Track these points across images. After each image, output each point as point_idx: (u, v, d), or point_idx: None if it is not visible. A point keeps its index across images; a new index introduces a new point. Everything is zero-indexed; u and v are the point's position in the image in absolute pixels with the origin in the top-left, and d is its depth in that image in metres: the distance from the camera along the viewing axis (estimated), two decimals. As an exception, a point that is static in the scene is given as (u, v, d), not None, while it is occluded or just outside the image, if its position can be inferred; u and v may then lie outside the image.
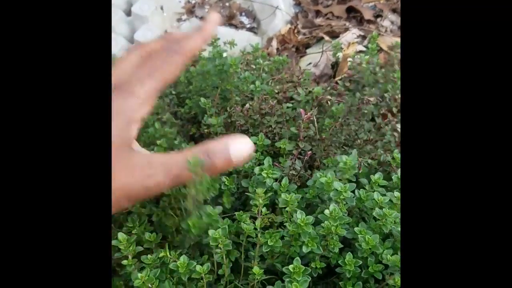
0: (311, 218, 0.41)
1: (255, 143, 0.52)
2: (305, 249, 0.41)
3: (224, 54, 0.71)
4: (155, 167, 0.39)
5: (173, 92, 0.69)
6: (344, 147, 0.55)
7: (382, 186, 0.47)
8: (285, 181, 0.47)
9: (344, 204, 0.43)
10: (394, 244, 0.43)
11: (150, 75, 0.43)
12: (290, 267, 0.39)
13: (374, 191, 0.45)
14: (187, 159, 0.37)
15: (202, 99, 0.58)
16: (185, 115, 0.64)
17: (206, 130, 0.58)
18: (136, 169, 0.39)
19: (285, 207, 0.43)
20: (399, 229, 0.43)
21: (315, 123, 0.52)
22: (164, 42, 0.47)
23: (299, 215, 0.41)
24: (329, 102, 0.56)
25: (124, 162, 0.39)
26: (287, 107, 0.57)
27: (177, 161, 0.39)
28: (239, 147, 0.39)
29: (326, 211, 0.41)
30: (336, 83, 0.77)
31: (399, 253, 0.41)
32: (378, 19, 1.10)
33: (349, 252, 0.42)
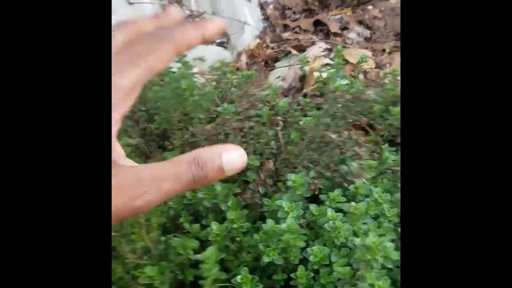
0: (279, 227, 0.41)
1: None
2: (266, 259, 0.41)
3: (195, 69, 0.72)
4: (144, 185, 0.34)
5: (143, 109, 0.70)
6: (309, 165, 0.54)
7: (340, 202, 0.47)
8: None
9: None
10: (348, 255, 0.43)
11: (132, 63, 0.37)
12: (238, 277, 0.39)
13: (330, 207, 0.46)
14: (178, 172, 0.35)
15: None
16: (155, 131, 0.65)
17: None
18: (122, 189, 0.34)
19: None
20: (355, 240, 0.43)
21: (281, 139, 0.52)
22: (157, 24, 0.41)
23: (269, 222, 0.41)
24: (291, 118, 0.56)
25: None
26: (250, 126, 0.57)
27: (168, 175, 0.35)
28: (232, 157, 0.36)
29: (284, 225, 0.41)
30: (304, 95, 0.79)
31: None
32: (345, 32, 1.13)
33: (301, 265, 0.42)
